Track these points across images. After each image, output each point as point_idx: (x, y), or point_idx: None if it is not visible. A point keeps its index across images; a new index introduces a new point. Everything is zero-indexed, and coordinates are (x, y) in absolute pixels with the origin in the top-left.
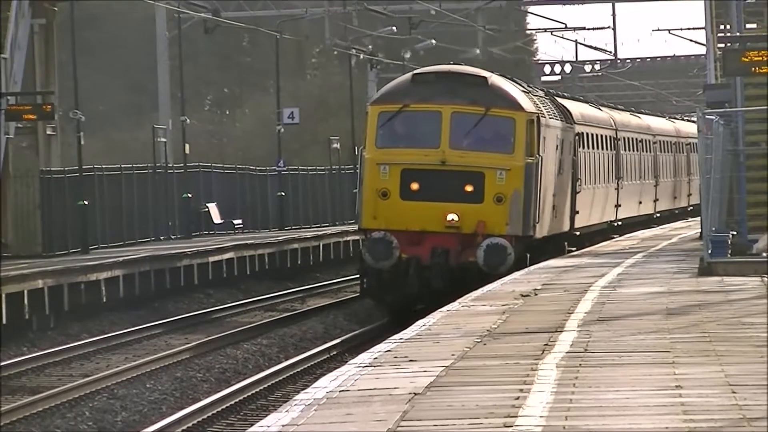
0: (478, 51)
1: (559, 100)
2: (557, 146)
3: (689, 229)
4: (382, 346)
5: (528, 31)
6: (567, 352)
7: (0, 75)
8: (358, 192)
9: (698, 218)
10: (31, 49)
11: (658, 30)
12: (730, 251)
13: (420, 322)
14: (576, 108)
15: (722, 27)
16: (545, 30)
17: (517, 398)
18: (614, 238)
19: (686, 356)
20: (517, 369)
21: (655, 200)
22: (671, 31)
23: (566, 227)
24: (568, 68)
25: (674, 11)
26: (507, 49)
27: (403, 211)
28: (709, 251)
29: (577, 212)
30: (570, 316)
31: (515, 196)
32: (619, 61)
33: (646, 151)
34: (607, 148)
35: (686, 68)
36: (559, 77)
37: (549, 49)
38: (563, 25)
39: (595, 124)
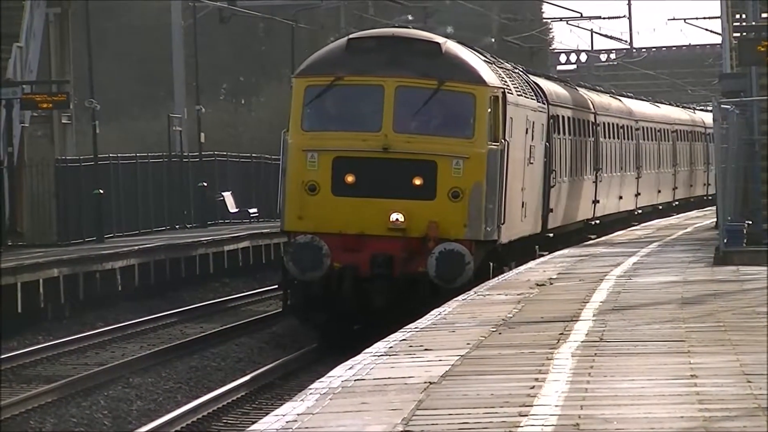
0: (493, 40)
1: (530, 76)
2: (527, 130)
3: (704, 218)
4: (397, 335)
5: (543, 20)
6: (582, 342)
7: (15, 64)
8: (280, 185)
9: (680, 215)
10: (47, 38)
11: (674, 19)
12: (745, 241)
13: (435, 311)
14: (549, 86)
15: (738, 16)
16: (561, 19)
17: (533, 387)
18: (591, 239)
19: (701, 345)
20: (533, 358)
21: (637, 194)
22: (687, 21)
23: (538, 228)
24: (583, 57)
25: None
26: (522, 38)
27: (335, 209)
28: (725, 241)
29: (551, 210)
30: (585, 306)
31: (475, 191)
32: (634, 50)
33: (628, 139)
34: (585, 135)
35: (702, 58)
36: (574, 66)
37: (564, 38)
38: (579, 15)
39: (572, 106)
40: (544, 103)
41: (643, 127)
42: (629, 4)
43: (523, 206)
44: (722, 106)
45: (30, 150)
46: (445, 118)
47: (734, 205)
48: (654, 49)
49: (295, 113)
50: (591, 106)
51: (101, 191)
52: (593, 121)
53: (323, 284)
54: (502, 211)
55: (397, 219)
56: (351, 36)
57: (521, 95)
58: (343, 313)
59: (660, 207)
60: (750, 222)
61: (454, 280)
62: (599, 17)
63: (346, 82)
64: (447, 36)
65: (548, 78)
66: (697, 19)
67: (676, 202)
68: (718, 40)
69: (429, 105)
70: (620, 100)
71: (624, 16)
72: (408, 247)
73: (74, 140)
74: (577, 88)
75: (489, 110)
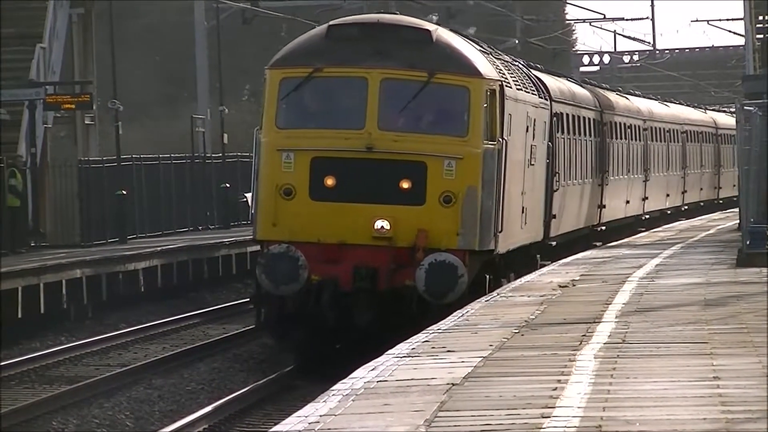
0: (516, 41)
1: (532, 70)
2: (528, 128)
3: (727, 220)
4: (419, 336)
5: (566, 22)
6: (605, 343)
7: (38, 65)
8: (253, 189)
9: (703, 217)
10: (70, 39)
11: (697, 21)
12: None
13: (457, 313)
14: (552, 82)
15: (761, 18)
16: (584, 20)
17: (555, 389)
18: (595, 246)
19: (724, 347)
20: (555, 360)
21: (644, 198)
22: (710, 22)
23: (539, 236)
24: (606, 59)
25: (713, 2)
26: (545, 40)
27: (313, 216)
28: (748, 242)
29: (554, 216)
30: (608, 307)
31: (470, 196)
32: (657, 51)
33: (636, 140)
34: (590, 134)
35: (725, 59)
36: (597, 68)
37: (587, 39)
38: (602, 16)
39: (577, 104)
40: (546, 99)
41: (651, 127)
42: (652, 6)
43: (523, 212)
44: (745, 107)
45: (53, 151)
46: (436, 114)
47: (757, 206)
48: (677, 51)
49: (268, 109)
50: (597, 104)
51: (124, 192)
52: (599, 119)
53: (300, 299)
54: (499, 217)
55: (382, 227)
56: (332, 23)
57: (521, 89)
58: (321, 331)
59: (668, 212)
60: None
61: (445, 295)
62: (622, 18)
63: (326, 73)
64: (467, 36)
65: (550, 73)
66: (720, 20)
67: (685, 207)
68: (741, 41)
69: (418, 99)
70: (627, 98)
71: (647, 18)
72: (394, 258)
73: (97, 141)
74: (582, 84)
75: (485, 105)
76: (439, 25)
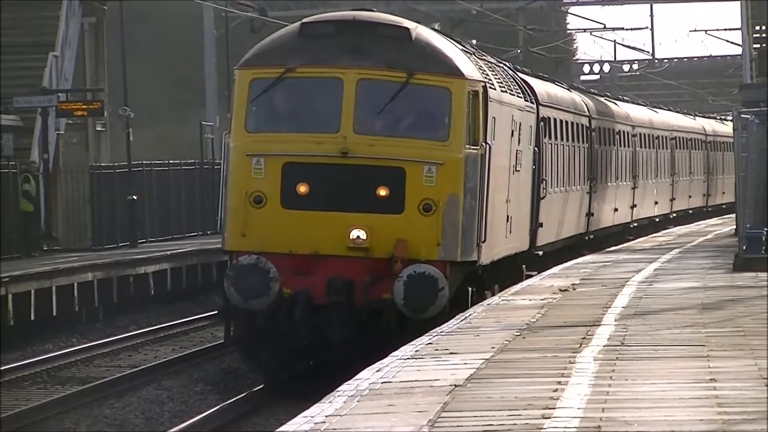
0: (519, 51)
1: (518, 73)
2: (513, 132)
3: (724, 225)
4: (423, 339)
5: (568, 31)
6: (604, 346)
7: (51, 72)
8: (221, 197)
9: (700, 222)
10: (82, 47)
11: (695, 31)
12: (764, 248)
13: (460, 316)
14: (539, 85)
15: (758, 28)
16: (584, 30)
17: (555, 390)
18: (584, 254)
19: (721, 350)
20: (556, 362)
21: (633, 206)
22: (708, 32)
23: (525, 245)
24: (606, 68)
25: (711, 12)
26: (547, 49)
27: (285, 225)
28: (744, 248)
29: (541, 225)
30: (607, 311)
31: (451, 204)
32: (656, 60)
33: (624, 146)
34: (578, 140)
35: (722, 68)
36: (597, 77)
37: (588, 48)
38: (602, 26)
39: (565, 108)
40: (533, 103)
41: (640, 134)
42: (651, 16)
43: (508, 221)
44: (742, 116)
45: (65, 156)
46: (416, 116)
47: (754, 212)
48: (676, 60)
49: (238, 111)
50: (586, 109)
51: (134, 197)
52: (588, 125)
53: (270, 314)
54: (482, 226)
55: (358, 236)
56: (305, 20)
57: (506, 91)
58: (294, 347)
59: (657, 219)
60: None
61: (425, 309)
62: (622, 28)
63: (299, 74)
64: (469, 48)
65: (537, 77)
66: (718, 30)
67: (674, 215)
68: (738, 51)
69: (396, 101)
70: (616, 104)
71: (646, 28)
72: (371, 270)
73: (108, 147)
74: (570, 89)
75: (467, 108)
76: (438, 32)
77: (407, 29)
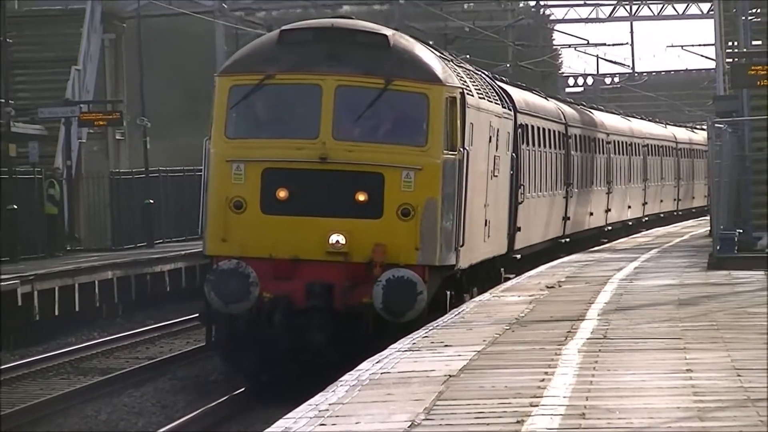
0: (508, 65)
1: (496, 81)
2: (491, 138)
3: (699, 227)
4: (420, 332)
5: (554, 47)
6: (588, 339)
7: (74, 85)
8: (202, 202)
9: (677, 224)
10: (102, 62)
11: (672, 46)
12: (737, 247)
13: (454, 311)
14: (517, 93)
15: (731, 43)
16: (570, 46)
17: (543, 380)
18: (560, 257)
19: (696, 343)
20: (543, 354)
21: (607, 210)
22: (684, 47)
23: (503, 249)
24: (590, 81)
25: (687, 29)
26: (534, 63)
27: (265, 230)
28: (718, 247)
29: (519, 229)
30: (591, 306)
31: (429, 209)
32: (636, 74)
33: (599, 153)
34: (555, 146)
35: (698, 81)
36: (582, 89)
37: (573, 63)
38: (586, 42)
39: (542, 115)
40: (510, 110)
41: (614, 141)
42: (632, 32)
43: (486, 225)
44: (716, 125)
45: (87, 163)
46: (394, 122)
47: (727, 215)
48: (654, 73)
49: (218, 118)
50: (562, 117)
51: (151, 201)
52: (564, 132)
53: (250, 318)
54: (461, 231)
55: (337, 241)
56: (284, 27)
57: (484, 98)
58: (273, 351)
59: (630, 223)
60: (741, 230)
61: (403, 313)
62: (604, 44)
63: (278, 81)
64: (447, 54)
65: (515, 85)
66: (693, 45)
67: (646, 218)
68: (712, 65)
69: (374, 107)
70: (591, 112)
71: (627, 43)
72: (350, 274)
73: (127, 154)
74: (548, 98)
75: (445, 113)
76: (434, 48)
77: (385, 36)
